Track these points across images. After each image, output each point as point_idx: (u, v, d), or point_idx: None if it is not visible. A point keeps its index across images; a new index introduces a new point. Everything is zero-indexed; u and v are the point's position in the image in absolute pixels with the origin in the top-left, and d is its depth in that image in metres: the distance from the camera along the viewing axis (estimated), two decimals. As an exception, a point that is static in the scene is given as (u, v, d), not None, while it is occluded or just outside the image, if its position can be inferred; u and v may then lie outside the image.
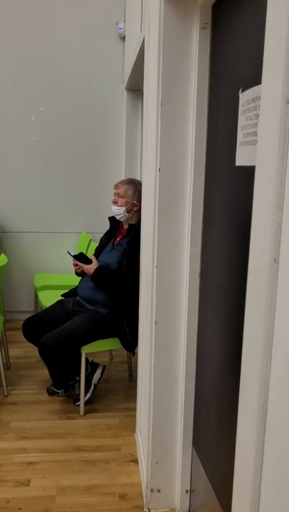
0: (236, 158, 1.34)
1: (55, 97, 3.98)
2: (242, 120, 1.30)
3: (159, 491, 1.94)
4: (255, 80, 1.20)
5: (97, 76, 3.98)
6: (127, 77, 3.65)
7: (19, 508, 1.93)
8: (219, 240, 1.53)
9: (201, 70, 1.63)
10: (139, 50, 2.57)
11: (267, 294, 0.74)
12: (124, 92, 4.00)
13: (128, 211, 2.67)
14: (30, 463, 2.22)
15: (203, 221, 1.72)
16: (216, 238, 1.57)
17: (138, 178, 3.29)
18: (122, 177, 3.91)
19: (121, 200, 2.67)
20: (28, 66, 3.91)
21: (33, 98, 3.96)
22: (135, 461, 2.26)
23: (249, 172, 1.25)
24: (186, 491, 1.93)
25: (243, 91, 1.29)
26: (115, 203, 2.69)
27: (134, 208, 2.67)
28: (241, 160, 1.31)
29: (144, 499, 1.99)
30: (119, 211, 2.68)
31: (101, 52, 3.94)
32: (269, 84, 0.75)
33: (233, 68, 1.39)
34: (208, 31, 1.62)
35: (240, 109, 1.31)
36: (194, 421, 1.85)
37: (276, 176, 0.71)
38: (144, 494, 2.02)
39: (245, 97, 1.27)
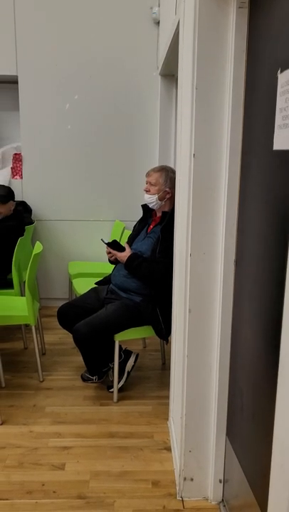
0: (274, 142, 1.30)
1: (89, 84, 3.97)
2: (281, 102, 1.25)
3: (192, 479, 1.94)
4: (295, 59, 1.15)
5: (131, 62, 3.94)
6: (161, 63, 3.59)
7: (54, 491, 1.96)
8: (255, 227, 1.49)
9: (238, 52, 1.58)
10: (174, 34, 2.52)
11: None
12: (159, 78, 3.95)
13: (160, 199, 2.65)
14: (64, 447, 2.26)
15: (239, 208, 1.68)
16: (251, 225, 1.53)
17: (172, 165, 3.25)
18: (156, 164, 3.88)
19: (153, 188, 2.65)
20: (62, 54, 3.91)
21: (68, 86, 3.97)
22: (168, 449, 2.26)
23: (288, 156, 1.21)
24: (220, 481, 1.92)
25: (282, 71, 1.24)
26: (147, 191, 2.67)
27: (167, 196, 2.64)
28: (279, 144, 1.27)
29: (177, 487, 1.99)
30: (151, 199, 2.66)
31: (135, 38, 3.90)
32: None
33: (271, 48, 1.34)
34: (246, 11, 1.56)
35: (279, 90, 1.26)
36: (228, 410, 1.83)
37: None
38: (176, 482, 2.02)
39: (284, 77, 1.22)
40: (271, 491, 0.90)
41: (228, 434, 1.85)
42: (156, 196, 2.64)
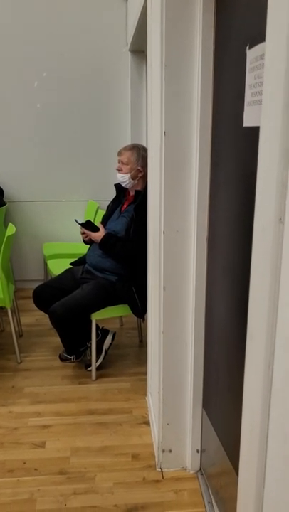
0: (244, 118, 1.31)
1: (58, 62, 3.89)
2: (250, 78, 1.26)
3: (170, 451, 2.00)
4: (264, 35, 1.15)
5: (100, 39, 3.87)
6: (131, 39, 3.54)
7: (35, 469, 2.00)
8: (227, 203, 1.51)
9: (206, 28, 1.57)
10: (142, 10, 2.49)
11: (272, 252, 0.73)
12: (128, 55, 3.90)
13: (133, 178, 2.65)
14: (44, 426, 2.29)
15: (211, 184, 1.70)
16: (223, 201, 1.55)
17: (144, 143, 3.24)
18: (128, 142, 3.86)
19: (125, 167, 2.64)
20: (29, 31, 3.80)
21: (36, 64, 3.87)
22: (147, 423, 2.32)
23: (258, 133, 1.22)
24: (197, 451, 1.98)
25: (250, 48, 1.24)
26: (120, 170, 2.67)
27: (139, 174, 2.64)
28: (249, 120, 1.28)
29: (156, 459, 2.04)
30: (124, 178, 2.66)
31: (103, 14, 3.82)
32: (274, 37, 0.72)
33: (239, 24, 1.34)
34: (213, -14, 1.55)
35: (248, 66, 1.27)
36: (204, 383, 1.88)
37: (282, 133, 0.69)
38: (155, 454, 2.07)
39: (252, 53, 1.23)
40: (242, 449, 0.94)
41: (204, 406, 1.90)
42: (129, 175, 2.64)
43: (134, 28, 3.08)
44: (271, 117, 0.75)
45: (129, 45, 3.77)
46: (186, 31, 1.60)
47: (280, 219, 0.71)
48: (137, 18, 2.76)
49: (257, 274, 0.83)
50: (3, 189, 4.03)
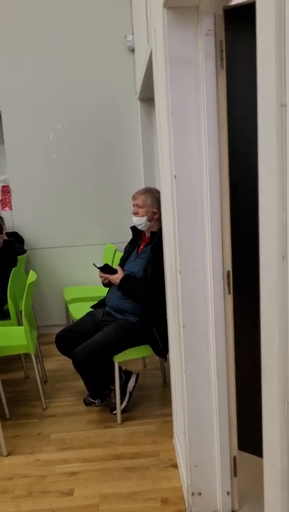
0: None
1: (71, 113, 4.07)
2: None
3: (200, 494, 1.95)
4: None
5: (110, 89, 4.06)
6: (139, 88, 3.71)
7: (64, 518, 1.97)
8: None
9: (208, 76, 1.66)
10: (148, 61, 2.62)
11: (278, 289, 0.76)
12: (138, 103, 4.06)
13: (149, 220, 2.71)
14: (72, 473, 2.27)
15: (222, 221, 1.73)
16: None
17: (157, 186, 3.33)
18: (142, 186, 3.96)
19: (141, 211, 2.71)
20: (42, 85, 4.01)
21: (50, 117, 4.07)
22: (175, 466, 2.28)
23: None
24: (227, 493, 1.93)
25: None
26: (136, 213, 2.74)
27: (155, 216, 2.71)
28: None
29: (186, 503, 2.00)
30: (140, 221, 2.72)
31: (112, 66, 4.02)
32: (263, 88, 0.78)
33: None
34: (212, 38, 1.64)
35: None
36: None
37: (278, 177, 0.74)
38: (185, 498, 2.03)
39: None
40: (265, 484, 0.94)
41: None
42: (145, 218, 2.70)
43: (142, 78, 3.23)
44: (267, 160, 0.79)
45: (138, 94, 3.94)
46: (190, 80, 1.68)
47: (283, 257, 0.74)
48: (144, 68, 2.90)
49: (266, 309, 0.85)
50: (23, 237, 4.15)
